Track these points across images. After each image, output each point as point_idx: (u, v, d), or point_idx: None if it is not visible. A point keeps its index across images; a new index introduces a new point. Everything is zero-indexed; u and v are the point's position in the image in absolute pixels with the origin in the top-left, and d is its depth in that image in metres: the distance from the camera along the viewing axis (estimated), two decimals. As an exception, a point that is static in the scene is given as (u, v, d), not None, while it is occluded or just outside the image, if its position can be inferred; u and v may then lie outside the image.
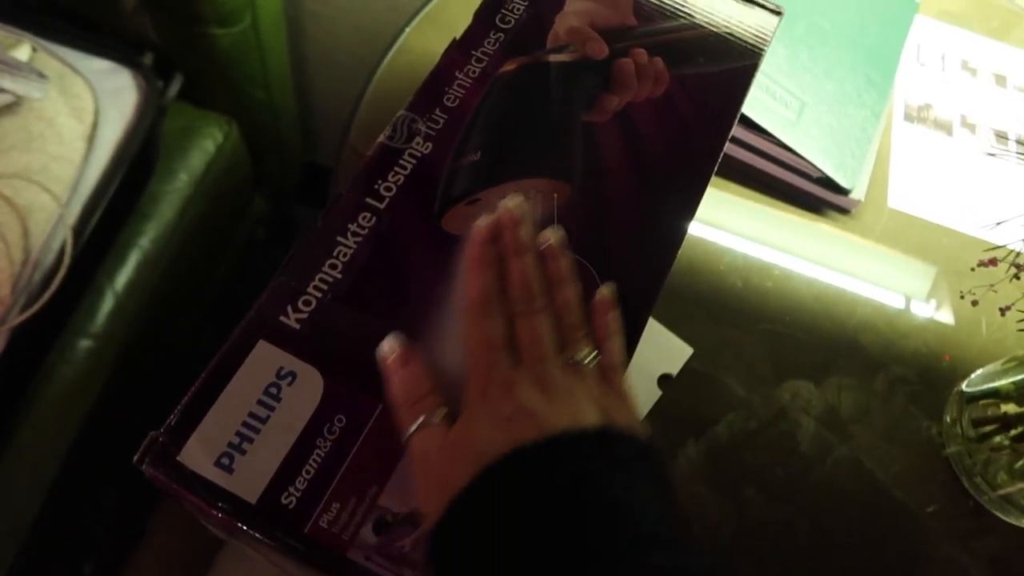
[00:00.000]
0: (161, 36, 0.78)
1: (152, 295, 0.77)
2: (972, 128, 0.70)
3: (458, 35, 0.46)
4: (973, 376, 0.57)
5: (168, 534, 1.00)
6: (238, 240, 0.96)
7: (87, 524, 0.86)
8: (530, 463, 0.31)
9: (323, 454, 0.33)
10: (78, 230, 0.67)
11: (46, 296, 0.64)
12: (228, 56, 0.79)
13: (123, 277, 0.75)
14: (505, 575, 0.29)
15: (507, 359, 0.35)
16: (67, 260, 0.65)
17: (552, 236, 0.39)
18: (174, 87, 0.79)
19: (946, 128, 0.70)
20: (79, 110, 0.70)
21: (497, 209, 0.39)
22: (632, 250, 0.41)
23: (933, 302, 0.63)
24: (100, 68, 0.73)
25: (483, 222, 0.38)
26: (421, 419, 0.33)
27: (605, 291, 0.39)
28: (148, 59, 0.77)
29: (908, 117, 0.70)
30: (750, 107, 0.60)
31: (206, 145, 0.81)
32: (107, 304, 0.74)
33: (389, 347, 0.35)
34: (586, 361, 0.36)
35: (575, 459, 0.32)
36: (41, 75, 0.68)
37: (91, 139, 0.70)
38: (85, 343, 0.72)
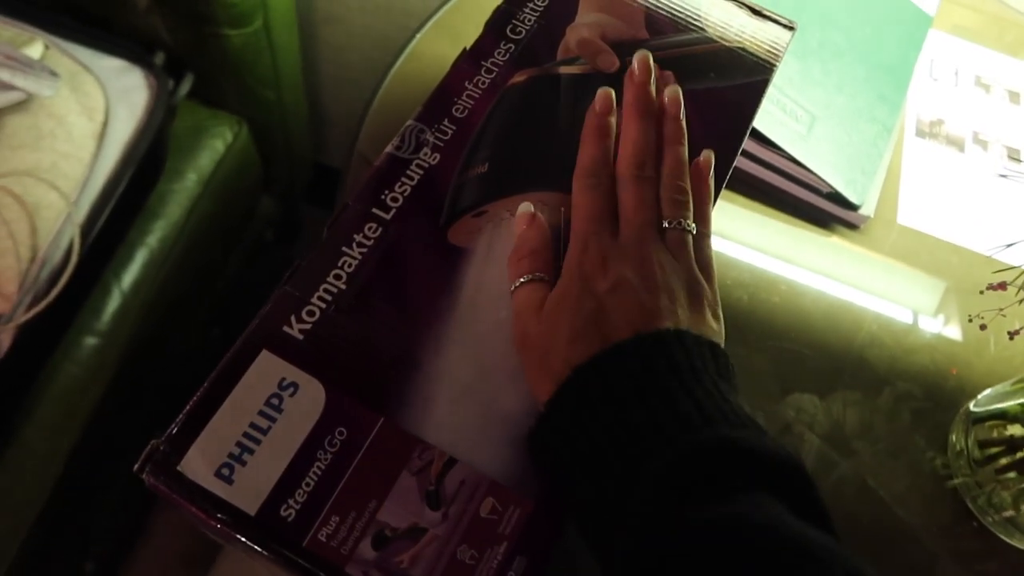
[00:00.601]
0: (173, 36, 0.78)
1: (159, 294, 0.78)
2: (984, 145, 0.69)
3: (468, 45, 0.46)
4: (981, 396, 0.56)
5: (169, 534, 1.00)
6: (246, 240, 0.97)
7: (89, 523, 0.86)
8: (622, 356, 0.33)
9: (323, 467, 0.33)
10: (86, 228, 0.67)
11: (53, 294, 0.64)
12: (239, 57, 0.79)
13: (130, 276, 0.75)
14: (600, 454, 0.31)
15: (607, 230, 0.37)
16: (74, 258, 0.65)
17: (675, 94, 0.41)
18: (185, 86, 0.79)
19: (958, 144, 0.69)
20: (90, 108, 0.70)
21: (635, 62, 0.42)
22: None
23: (941, 319, 0.62)
24: (112, 67, 0.73)
25: (604, 91, 0.41)
26: (525, 277, 0.36)
27: (707, 154, 0.41)
28: (159, 58, 0.77)
29: (920, 133, 0.69)
30: (760, 120, 0.60)
31: (215, 145, 0.82)
32: (113, 302, 0.74)
33: (524, 208, 0.39)
34: (688, 227, 0.38)
35: (656, 357, 0.33)
36: (52, 73, 0.68)
37: (101, 137, 0.70)
38: (91, 341, 0.72)
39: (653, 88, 0.42)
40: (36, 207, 0.66)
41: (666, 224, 0.38)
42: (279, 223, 1.05)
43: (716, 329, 0.36)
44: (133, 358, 0.76)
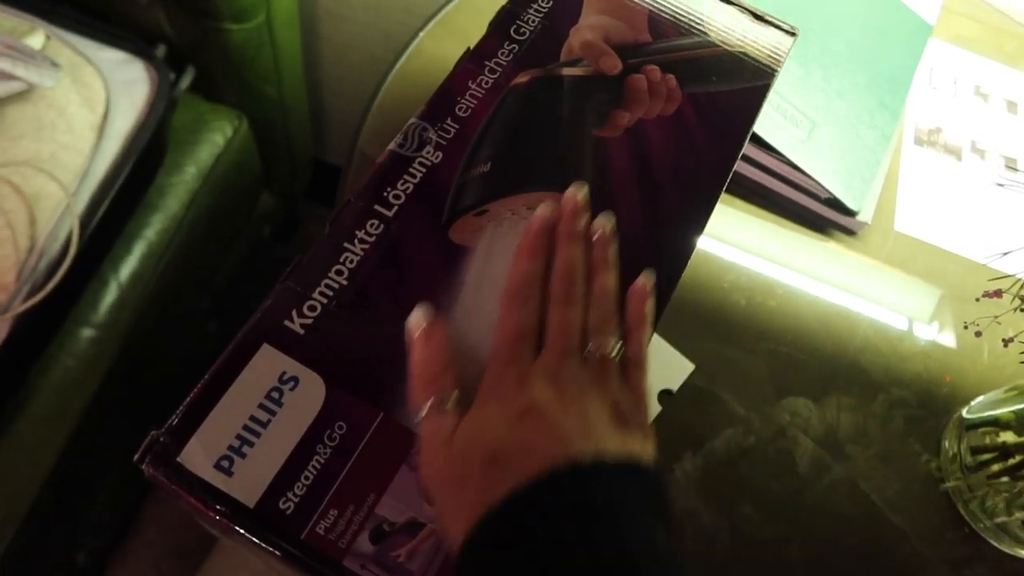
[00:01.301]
0: (174, 30, 0.78)
1: (156, 287, 0.77)
2: (982, 154, 0.70)
3: (472, 45, 0.46)
4: (974, 403, 0.57)
5: (161, 528, 1.00)
6: (244, 236, 0.97)
7: (82, 515, 0.86)
8: (537, 492, 0.31)
9: (323, 461, 0.33)
10: (85, 220, 0.67)
11: (51, 285, 0.64)
12: (241, 52, 0.79)
13: (127, 268, 0.75)
14: None
15: (530, 350, 0.35)
16: (73, 249, 0.65)
17: (605, 223, 0.40)
18: (186, 80, 0.79)
19: (956, 153, 0.70)
20: (90, 100, 0.70)
21: (564, 195, 0.40)
22: (639, 265, 0.41)
23: (936, 326, 0.63)
24: (113, 59, 0.73)
25: (544, 211, 0.39)
26: (432, 401, 0.34)
27: (644, 279, 0.39)
28: (161, 52, 0.77)
29: (918, 141, 0.70)
30: (761, 125, 0.60)
31: (215, 139, 0.82)
32: (111, 295, 0.74)
33: (416, 320, 0.36)
34: (611, 353, 0.36)
35: (570, 493, 0.31)
36: (54, 63, 0.68)
37: (101, 129, 0.70)
38: (87, 333, 0.72)
39: (585, 219, 0.40)
40: (35, 197, 0.66)
41: (590, 348, 0.36)
42: (278, 220, 1.05)
43: (641, 448, 0.34)
44: (129, 351, 0.76)
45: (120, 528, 0.99)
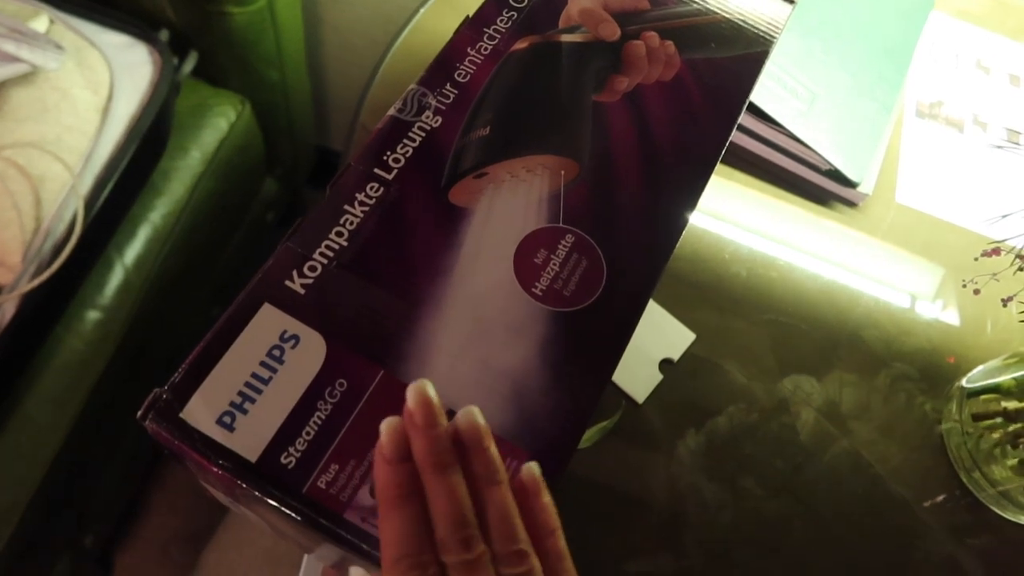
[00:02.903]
0: (177, 13, 0.78)
1: (160, 271, 0.78)
2: (984, 127, 0.70)
3: (471, 13, 0.46)
4: (973, 372, 0.57)
5: (167, 511, 1.01)
6: (247, 221, 0.97)
7: (89, 497, 0.87)
8: None
9: (323, 417, 0.33)
10: (90, 201, 0.68)
11: (56, 264, 0.64)
12: (243, 35, 0.79)
13: (132, 251, 0.75)
14: None
15: None
16: (78, 230, 0.66)
17: (471, 419, 0.31)
18: (189, 64, 0.79)
19: (957, 126, 0.69)
20: (94, 83, 0.71)
21: (409, 398, 0.31)
22: (636, 230, 0.41)
23: (938, 299, 0.63)
24: (116, 42, 0.74)
25: (389, 434, 0.30)
26: None
27: (529, 471, 0.32)
28: (164, 36, 0.77)
29: (920, 113, 0.69)
30: (762, 97, 0.60)
31: (219, 123, 0.82)
32: (116, 277, 0.74)
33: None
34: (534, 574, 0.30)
35: None
36: (58, 46, 0.68)
37: (105, 112, 0.71)
38: (93, 315, 0.73)
39: (443, 425, 0.31)
40: (40, 179, 0.66)
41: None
42: (281, 205, 1.06)
43: None
44: (135, 333, 0.77)
45: (127, 511, 0.99)
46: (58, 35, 0.72)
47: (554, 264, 0.39)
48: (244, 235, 0.97)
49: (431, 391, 0.31)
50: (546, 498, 0.32)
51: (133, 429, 0.87)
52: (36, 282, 0.63)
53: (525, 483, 0.32)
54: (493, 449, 0.31)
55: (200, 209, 0.82)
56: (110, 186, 0.69)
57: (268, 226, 1.04)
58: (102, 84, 0.71)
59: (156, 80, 0.74)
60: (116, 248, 0.74)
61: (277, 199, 1.03)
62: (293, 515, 0.32)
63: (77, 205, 0.67)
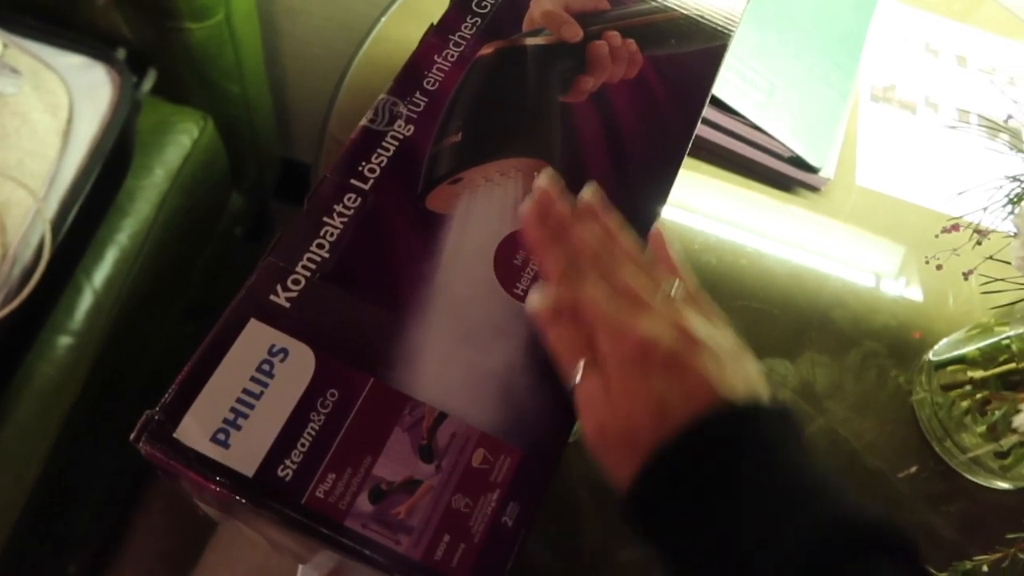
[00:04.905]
0: (133, 31, 0.77)
1: (131, 291, 0.77)
2: (935, 108, 0.72)
3: (435, 20, 0.47)
4: (939, 345, 0.59)
5: (152, 535, 1.00)
6: (216, 237, 0.96)
7: (70, 523, 0.86)
8: (711, 430, 0.34)
9: (317, 427, 0.34)
10: (56, 225, 0.67)
11: (26, 291, 0.64)
12: (202, 51, 0.79)
13: (101, 273, 0.75)
14: (703, 533, 0.32)
15: (627, 308, 0.36)
16: (46, 255, 0.65)
17: (590, 194, 0.41)
18: (148, 82, 0.78)
19: (911, 108, 0.72)
20: (53, 106, 0.70)
21: (533, 191, 0.40)
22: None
23: (901, 277, 0.65)
24: (73, 63, 0.73)
25: (525, 207, 0.39)
26: (583, 362, 0.36)
27: (657, 230, 0.42)
28: (121, 54, 0.76)
29: (874, 98, 0.72)
30: (723, 89, 0.61)
31: (182, 140, 0.81)
32: (85, 301, 0.74)
33: (540, 299, 0.37)
34: (676, 293, 0.38)
35: (749, 427, 0.34)
36: (14, 70, 0.68)
37: (66, 134, 0.70)
38: (65, 340, 0.72)
39: (567, 195, 0.41)
40: (4, 205, 0.65)
41: (658, 299, 0.38)
42: (248, 219, 1.05)
43: (756, 377, 0.37)
44: (108, 356, 0.76)
45: (109, 537, 0.98)
46: (13, 59, 0.71)
47: (533, 265, 0.40)
48: (213, 251, 0.96)
49: (554, 175, 0.41)
50: (675, 249, 0.41)
51: (112, 452, 0.86)
52: (6, 310, 0.63)
53: (652, 236, 0.42)
54: (611, 212, 0.41)
55: (167, 227, 0.81)
56: (76, 209, 0.68)
57: (236, 240, 1.03)
58: (61, 107, 0.70)
59: (116, 100, 0.73)
60: (84, 271, 0.73)
61: (244, 213, 1.02)
62: (293, 526, 0.32)
63: (44, 229, 0.66)
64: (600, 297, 0.37)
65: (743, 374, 0.36)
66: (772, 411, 0.35)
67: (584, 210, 0.40)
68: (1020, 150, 0.53)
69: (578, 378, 0.36)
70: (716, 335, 0.37)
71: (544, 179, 0.40)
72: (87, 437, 0.78)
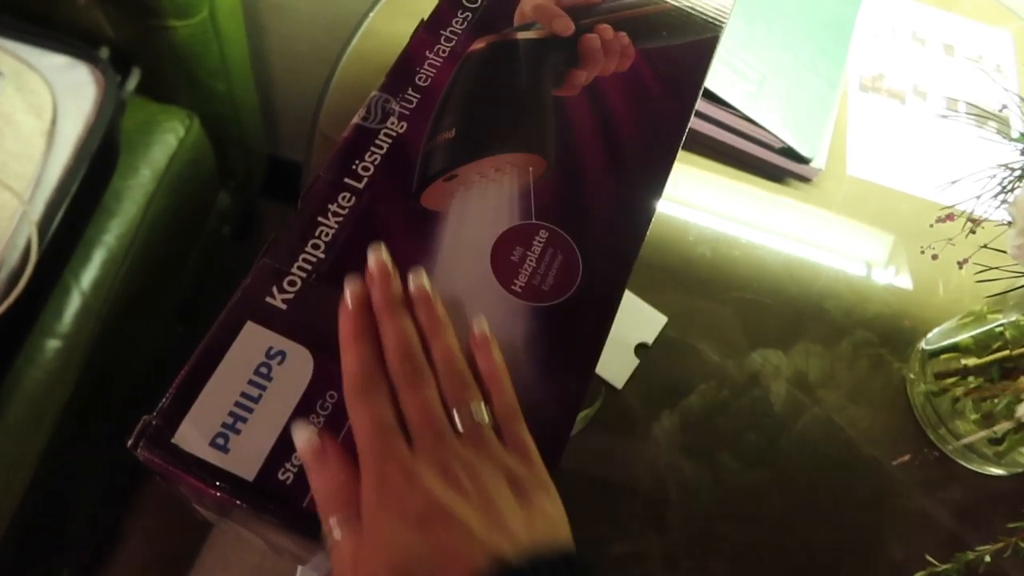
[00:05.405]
0: (116, 30, 0.76)
1: (119, 293, 0.76)
2: (924, 96, 0.72)
3: (426, 16, 0.47)
4: (932, 334, 0.59)
5: (146, 537, 0.99)
6: (204, 236, 0.95)
7: (63, 527, 0.85)
8: None
9: (317, 430, 0.33)
10: (43, 227, 0.66)
11: (13, 295, 0.63)
12: (187, 49, 0.78)
13: (89, 275, 0.74)
14: None
15: (401, 442, 0.32)
16: (33, 257, 0.64)
17: (420, 280, 0.36)
18: (132, 81, 0.78)
19: (899, 97, 0.72)
20: (37, 106, 0.69)
21: (370, 259, 0.36)
22: (608, 220, 0.42)
23: (892, 266, 0.65)
24: (56, 64, 0.72)
25: (351, 288, 0.36)
26: (337, 518, 0.31)
27: (478, 326, 0.36)
28: (104, 53, 0.75)
29: (863, 87, 0.72)
30: (713, 81, 0.61)
31: (168, 139, 0.81)
32: (74, 303, 0.73)
33: (303, 441, 0.32)
34: (482, 419, 0.34)
35: None
36: (-4, 72, 0.67)
37: (50, 135, 0.69)
38: (53, 344, 0.71)
39: (397, 282, 0.36)
40: (-11, 208, 0.64)
41: (457, 420, 0.33)
42: (236, 217, 1.04)
43: (554, 517, 0.33)
44: (97, 359, 0.75)
45: (102, 540, 0.98)
46: (-6, 60, 0.70)
47: (531, 260, 0.40)
48: (201, 250, 0.95)
49: (386, 254, 0.37)
50: (496, 355, 0.36)
51: (105, 455, 0.85)
52: (-6, 315, 0.62)
53: (477, 339, 0.36)
54: (439, 306, 0.36)
55: (155, 227, 0.80)
56: (62, 210, 0.68)
57: (225, 239, 1.02)
58: (45, 108, 0.70)
59: (100, 100, 0.72)
60: (72, 273, 0.73)
61: (232, 211, 1.01)
62: (296, 530, 0.32)
63: (30, 232, 0.65)
64: (373, 424, 0.32)
65: (534, 523, 0.31)
66: (555, 564, 0.30)
67: (414, 295, 0.36)
68: (1009, 137, 0.53)
69: (332, 537, 0.31)
70: (516, 472, 0.33)
71: (375, 256, 0.36)
72: (79, 440, 0.77)
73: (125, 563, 0.97)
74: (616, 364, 0.56)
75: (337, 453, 0.32)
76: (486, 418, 0.34)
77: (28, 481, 0.70)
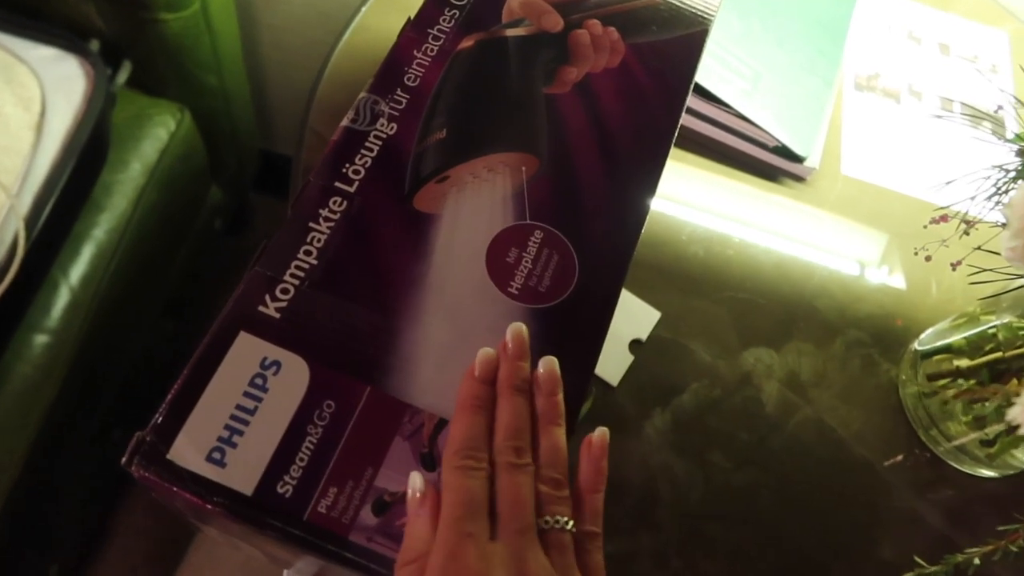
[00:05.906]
0: (107, 22, 0.75)
1: (108, 288, 0.76)
2: (919, 96, 0.72)
3: (412, 14, 0.46)
4: (924, 335, 0.59)
5: (134, 534, 0.99)
6: (195, 231, 0.95)
7: (51, 524, 0.84)
8: None
9: (315, 440, 0.33)
10: (30, 221, 0.65)
11: (0, 290, 0.62)
12: (178, 42, 0.77)
13: (77, 270, 0.73)
14: None
15: (484, 523, 0.32)
16: (20, 252, 0.63)
17: (550, 366, 0.36)
18: (123, 74, 0.77)
19: (894, 97, 0.72)
20: (25, 99, 0.68)
21: (508, 335, 0.36)
22: (602, 219, 0.42)
23: (885, 266, 0.65)
24: (45, 56, 0.71)
25: (483, 357, 0.36)
26: (404, 572, 0.31)
27: (600, 434, 0.36)
28: (95, 46, 0.74)
29: (858, 86, 0.72)
30: (707, 78, 0.61)
31: (159, 133, 0.80)
32: (62, 299, 0.72)
33: (413, 490, 0.33)
34: (568, 528, 0.33)
35: None
36: (-17, 65, 0.66)
37: (39, 128, 0.68)
38: (42, 339, 0.70)
39: (528, 363, 0.36)
40: (-24, 204, 0.63)
41: (543, 524, 0.33)
42: (228, 212, 1.04)
43: None
44: (86, 355, 0.75)
45: (91, 537, 0.97)
46: (-19, 52, 0.69)
47: (527, 261, 0.39)
48: (192, 244, 0.95)
49: (526, 333, 0.36)
50: (604, 464, 0.36)
51: (93, 451, 0.85)
52: (-18, 312, 0.61)
53: (592, 442, 0.36)
54: (560, 398, 0.36)
55: (145, 222, 0.79)
56: (51, 205, 0.67)
57: (216, 234, 1.01)
58: (34, 100, 0.69)
59: (90, 93, 0.71)
60: (60, 268, 0.72)
61: (224, 205, 1.00)
62: (296, 544, 0.32)
63: (18, 226, 0.64)
64: (463, 498, 0.32)
65: None
66: None
67: (538, 381, 0.36)
68: (1004, 138, 0.53)
69: None
70: None
71: (516, 332, 0.36)
72: (67, 436, 0.77)
73: (114, 559, 0.97)
74: (611, 361, 0.56)
75: (436, 509, 0.32)
76: (571, 527, 0.33)
77: (16, 477, 0.70)
